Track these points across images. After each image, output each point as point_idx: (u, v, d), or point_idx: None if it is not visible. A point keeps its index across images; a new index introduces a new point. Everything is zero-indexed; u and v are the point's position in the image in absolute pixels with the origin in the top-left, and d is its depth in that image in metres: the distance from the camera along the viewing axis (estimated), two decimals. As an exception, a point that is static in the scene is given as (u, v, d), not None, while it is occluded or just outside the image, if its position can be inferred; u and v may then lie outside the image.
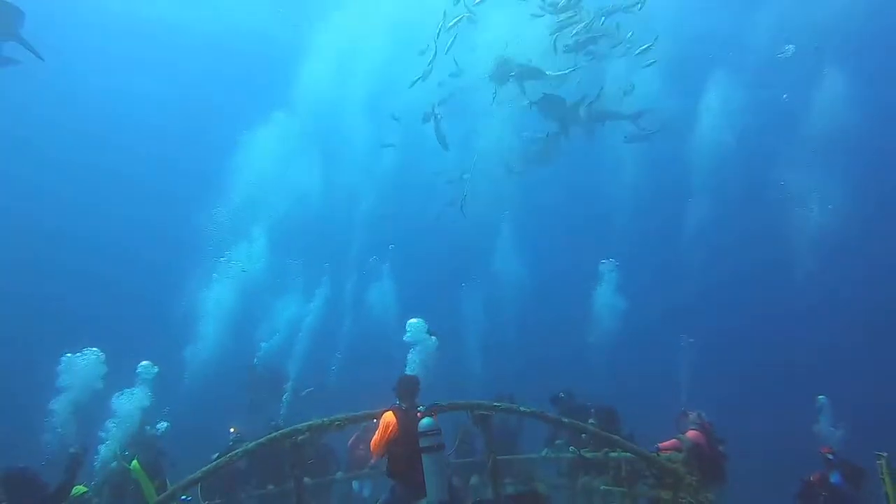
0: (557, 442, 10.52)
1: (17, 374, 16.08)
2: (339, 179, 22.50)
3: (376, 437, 6.71)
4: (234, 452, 7.37)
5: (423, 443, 6.09)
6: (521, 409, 7.91)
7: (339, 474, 10.87)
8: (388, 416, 6.59)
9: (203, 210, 18.76)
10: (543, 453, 10.56)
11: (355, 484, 11.25)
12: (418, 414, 6.34)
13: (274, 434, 7.27)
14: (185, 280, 18.09)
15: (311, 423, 7.31)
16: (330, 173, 22.38)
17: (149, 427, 9.48)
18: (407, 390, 6.79)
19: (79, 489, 7.57)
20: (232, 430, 10.08)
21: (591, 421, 9.68)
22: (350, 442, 11.81)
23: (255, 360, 16.00)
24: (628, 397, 11.20)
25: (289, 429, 7.28)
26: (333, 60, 21.89)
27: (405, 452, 6.23)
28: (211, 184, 19.79)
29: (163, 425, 9.57)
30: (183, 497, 8.64)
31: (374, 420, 6.98)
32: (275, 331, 17.88)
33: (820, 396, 8.90)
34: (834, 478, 7.65)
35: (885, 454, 4.82)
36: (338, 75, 21.90)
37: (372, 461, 10.29)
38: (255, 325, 18.50)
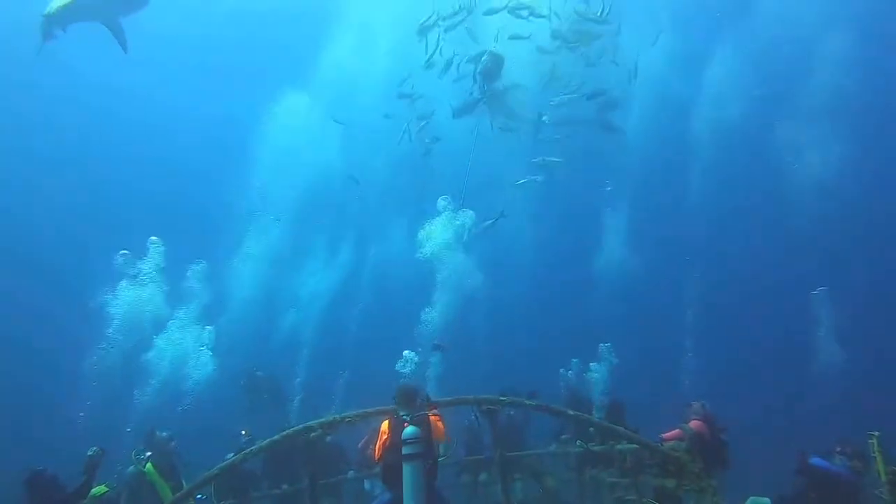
0: (563, 437, 10.70)
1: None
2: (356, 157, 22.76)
3: (377, 444, 6.85)
4: (249, 449, 7.62)
5: (403, 451, 6.17)
6: (527, 402, 8.14)
7: (350, 473, 11.04)
8: (384, 425, 6.73)
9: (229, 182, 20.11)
10: (552, 449, 10.72)
11: (367, 483, 11.40)
12: (405, 423, 6.39)
13: (288, 431, 7.48)
14: (213, 251, 18.73)
15: (323, 419, 7.54)
16: (348, 150, 22.61)
17: (159, 431, 9.72)
18: (405, 398, 6.82)
19: (99, 489, 7.80)
20: (243, 432, 10.28)
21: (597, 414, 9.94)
22: (361, 443, 11.98)
23: (256, 368, 16.15)
24: (632, 391, 11.37)
25: (302, 426, 7.50)
26: (354, 38, 22.54)
27: (395, 460, 6.31)
28: (234, 158, 21.16)
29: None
30: (198, 496, 8.90)
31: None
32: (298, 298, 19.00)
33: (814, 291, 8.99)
34: (813, 460, 7.74)
35: (876, 433, 4.97)
36: (358, 54, 22.45)
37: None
38: (281, 292, 19.45)
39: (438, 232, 15.18)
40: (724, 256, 23.00)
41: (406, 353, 12.39)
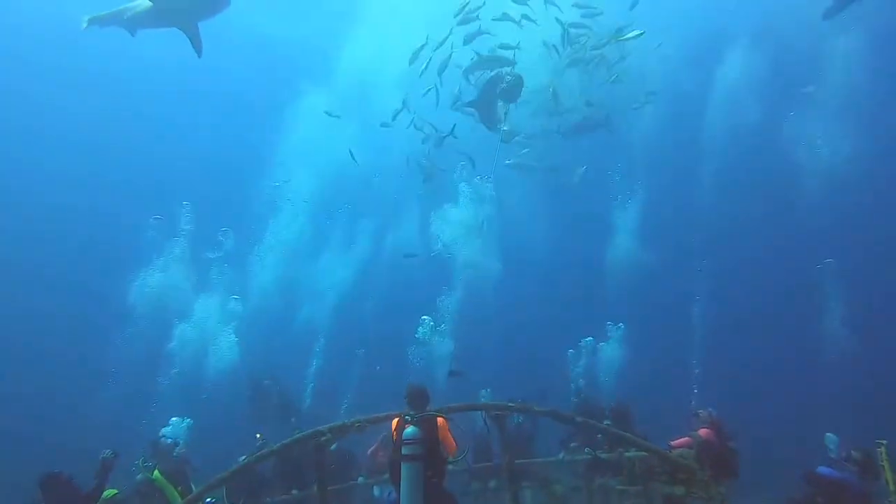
0: (572, 445, 10.71)
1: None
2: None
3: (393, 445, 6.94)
4: (260, 453, 7.72)
5: (402, 451, 6.26)
6: (536, 408, 8.18)
7: (360, 479, 11.11)
8: (393, 423, 6.82)
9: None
10: (561, 457, 10.73)
11: (376, 489, 11.47)
12: (405, 424, 6.47)
13: (298, 435, 7.56)
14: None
15: (332, 424, 7.62)
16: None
17: (163, 438, 9.85)
18: (414, 398, 6.88)
19: (110, 492, 7.91)
20: (258, 435, 10.39)
21: (606, 422, 9.94)
22: (370, 450, 12.07)
23: (263, 376, 16.19)
24: (640, 398, 11.39)
25: (311, 430, 7.58)
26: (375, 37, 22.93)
27: (398, 459, 6.38)
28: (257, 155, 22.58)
29: (178, 437, 10.00)
30: (208, 500, 9.00)
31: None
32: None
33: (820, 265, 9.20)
34: (820, 469, 7.69)
35: (885, 441, 4.97)
36: (377, 52, 22.75)
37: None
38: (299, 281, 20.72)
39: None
40: (734, 259, 22.85)
41: (424, 318, 12.59)
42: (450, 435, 6.80)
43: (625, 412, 10.21)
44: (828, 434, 7.72)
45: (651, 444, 7.93)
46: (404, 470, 6.20)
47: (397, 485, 6.45)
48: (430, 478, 6.33)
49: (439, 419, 6.69)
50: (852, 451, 7.81)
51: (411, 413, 6.61)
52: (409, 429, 6.35)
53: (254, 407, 15.35)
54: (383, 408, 7.57)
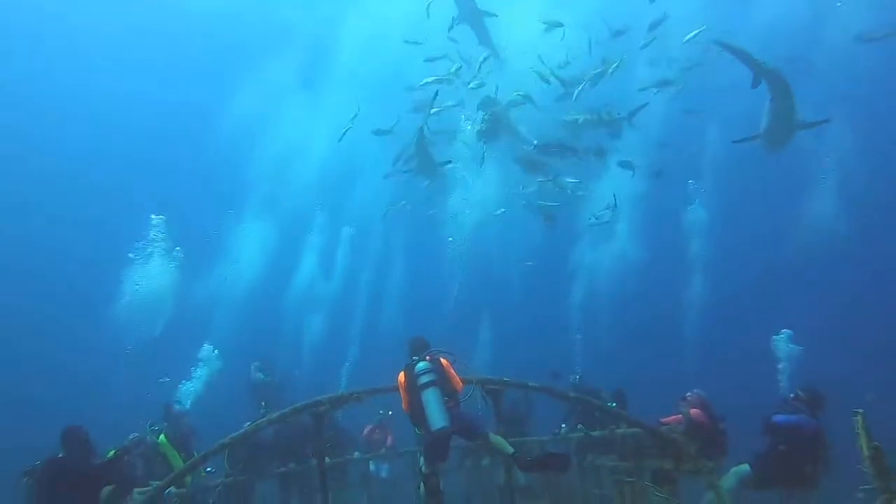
0: (563, 426, 10.85)
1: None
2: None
3: (404, 399, 7.09)
4: (260, 420, 7.92)
5: (419, 381, 6.68)
6: (530, 384, 8.38)
7: (356, 454, 11.32)
8: (401, 376, 7.11)
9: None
10: (554, 433, 10.89)
11: (372, 464, 11.71)
12: (413, 363, 6.96)
13: (297, 405, 7.74)
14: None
15: (331, 395, 7.81)
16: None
17: (177, 405, 10.03)
18: (415, 346, 7.38)
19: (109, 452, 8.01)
20: (263, 403, 10.58)
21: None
22: (366, 431, 12.33)
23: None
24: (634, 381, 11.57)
25: (310, 400, 7.76)
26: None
27: (418, 399, 6.71)
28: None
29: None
30: (208, 469, 9.20)
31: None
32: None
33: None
34: (775, 417, 7.99)
35: (861, 410, 5.21)
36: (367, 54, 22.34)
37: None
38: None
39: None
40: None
41: None
42: (454, 373, 7.13)
43: (620, 394, 10.42)
44: None
45: (641, 420, 8.12)
46: (426, 395, 6.59)
47: (420, 421, 6.73)
48: (448, 405, 6.68)
49: (442, 359, 7.09)
50: (798, 392, 8.13)
51: (416, 356, 7.09)
52: (420, 364, 6.85)
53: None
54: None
